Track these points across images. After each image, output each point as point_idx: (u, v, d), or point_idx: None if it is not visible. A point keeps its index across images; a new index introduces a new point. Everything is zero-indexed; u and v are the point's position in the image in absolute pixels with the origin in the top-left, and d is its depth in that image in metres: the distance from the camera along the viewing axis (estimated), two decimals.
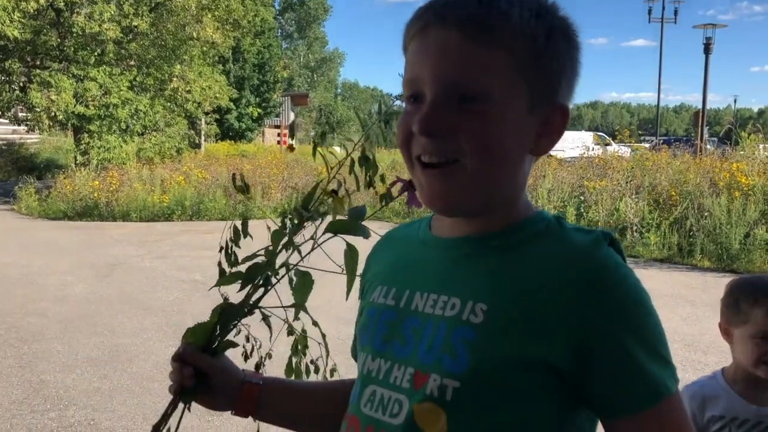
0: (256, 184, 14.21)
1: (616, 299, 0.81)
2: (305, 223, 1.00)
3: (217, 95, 19.13)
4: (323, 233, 0.98)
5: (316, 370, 1.14)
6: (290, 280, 0.99)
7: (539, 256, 0.85)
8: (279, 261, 1.00)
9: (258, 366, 1.15)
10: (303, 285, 0.97)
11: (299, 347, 1.10)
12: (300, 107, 42.47)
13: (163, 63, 17.43)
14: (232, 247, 1.05)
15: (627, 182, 10.90)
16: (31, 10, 14.92)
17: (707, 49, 19.65)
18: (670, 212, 9.87)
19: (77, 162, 16.38)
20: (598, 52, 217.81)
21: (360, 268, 1.00)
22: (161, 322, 5.93)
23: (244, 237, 1.05)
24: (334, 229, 0.97)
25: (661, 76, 33.50)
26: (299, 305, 0.98)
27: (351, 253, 0.96)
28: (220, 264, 1.05)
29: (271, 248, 0.99)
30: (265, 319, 1.04)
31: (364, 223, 0.97)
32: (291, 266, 0.99)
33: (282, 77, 37.77)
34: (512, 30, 0.81)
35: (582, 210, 11.04)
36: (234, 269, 1.03)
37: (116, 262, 8.74)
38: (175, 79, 17.78)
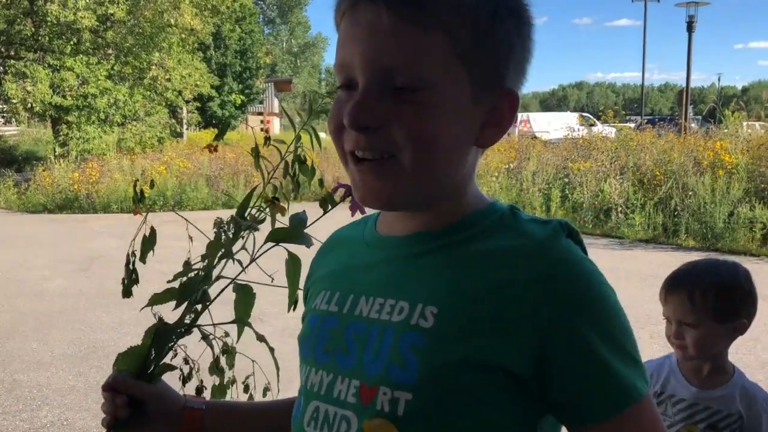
0: (239, 173, 14.06)
1: (578, 296, 0.74)
2: (243, 233, 0.90)
3: (198, 83, 18.92)
4: (263, 243, 0.88)
5: (246, 389, 1.06)
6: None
7: (492, 251, 0.77)
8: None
9: (199, 390, 1.06)
10: (244, 299, 0.89)
11: (218, 366, 1.01)
12: (284, 93, 42.18)
13: (142, 51, 17.18)
14: (134, 262, 0.96)
15: (611, 163, 10.87)
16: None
17: (690, 27, 19.61)
18: (655, 192, 9.85)
19: (56, 154, 16.14)
20: (582, 32, 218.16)
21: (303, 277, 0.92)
22: (140, 317, 5.76)
23: (152, 249, 0.96)
24: (275, 238, 0.88)
25: (646, 55, 33.48)
26: (242, 321, 0.89)
27: (293, 262, 0.88)
28: (124, 280, 0.96)
29: (207, 261, 0.90)
30: (206, 338, 0.95)
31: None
32: (231, 279, 0.90)
33: (265, 63, 37.41)
34: (450, 8, 0.74)
35: (567, 191, 11.01)
36: (169, 284, 0.94)
37: (96, 255, 8.60)
38: (154, 67, 17.55)
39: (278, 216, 0.92)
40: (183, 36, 18.31)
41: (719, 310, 1.62)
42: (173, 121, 21.69)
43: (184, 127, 24.68)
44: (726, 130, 11.10)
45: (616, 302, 0.77)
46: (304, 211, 0.91)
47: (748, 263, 7.83)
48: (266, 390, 1.07)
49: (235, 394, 1.05)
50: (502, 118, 0.80)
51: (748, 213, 8.57)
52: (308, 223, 0.91)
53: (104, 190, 13.29)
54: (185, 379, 1.04)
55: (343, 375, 0.79)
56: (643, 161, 10.65)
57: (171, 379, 0.98)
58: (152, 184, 1.02)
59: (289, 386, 1.07)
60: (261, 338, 0.96)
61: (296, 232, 0.88)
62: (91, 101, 15.85)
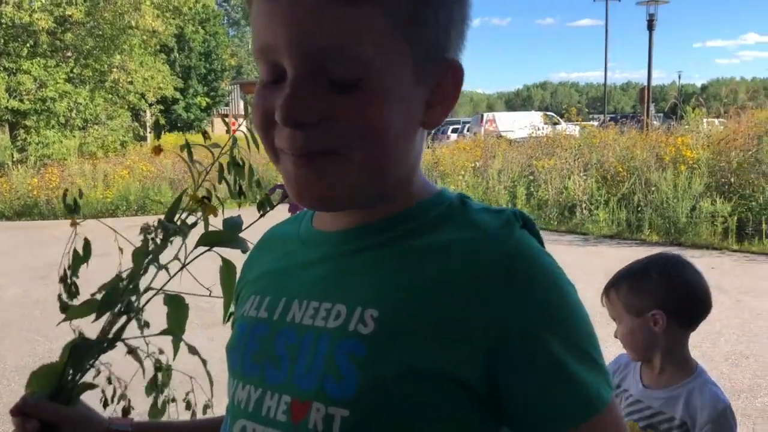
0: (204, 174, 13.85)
1: (535, 293, 0.67)
2: (172, 238, 0.84)
3: (161, 85, 18.64)
4: (194, 248, 0.82)
5: (188, 407, 0.99)
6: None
7: (440, 245, 0.70)
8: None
9: (126, 411, 0.98)
10: (176, 311, 0.82)
11: (158, 383, 0.94)
12: (250, 95, 41.74)
13: (102, 53, 16.87)
14: (70, 276, 0.89)
15: (575, 160, 10.96)
16: None
17: (650, 26, 19.90)
18: (618, 188, 9.95)
19: (14, 159, 15.75)
20: (546, 32, 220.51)
21: None
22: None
23: (86, 261, 0.89)
24: (207, 242, 0.82)
25: (608, 54, 33.97)
26: (176, 334, 0.83)
27: (227, 269, 0.81)
28: (60, 297, 0.89)
29: (132, 269, 0.83)
30: (132, 352, 0.89)
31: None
32: (156, 290, 0.83)
33: (230, 65, 37.08)
34: None
35: (532, 189, 11.07)
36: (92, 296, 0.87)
37: (55, 263, 8.33)
38: (115, 69, 17.25)
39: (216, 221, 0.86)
40: (145, 38, 18.03)
41: (629, 302, 1.61)
42: (136, 124, 21.35)
43: (148, 130, 24.29)
44: (687, 127, 11.26)
45: (578, 301, 0.70)
46: (239, 215, 0.85)
47: (710, 257, 7.97)
48: (206, 407, 1.00)
49: (175, 414, 0.98)
50: (448, 93, 0.72)
51: (710, 207, 8.69)
52: (244, 227, 0.84)
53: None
54: (107, 401, 0.97)
55: (273, 390, 0.70)
56: (607, 158, 10.75)
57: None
58: (80, 194, 0.95)
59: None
60: (193, 351, 0.90)
61: (230, 235, 0.82)
62: (50, 105, 15.51)
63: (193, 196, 0.82)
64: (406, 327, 0.66)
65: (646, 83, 19.45)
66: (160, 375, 0.93)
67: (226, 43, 36.36)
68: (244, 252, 0.83)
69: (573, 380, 0.66)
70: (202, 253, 0.83)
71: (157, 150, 1.00)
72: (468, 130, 27.15)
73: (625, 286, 1.64)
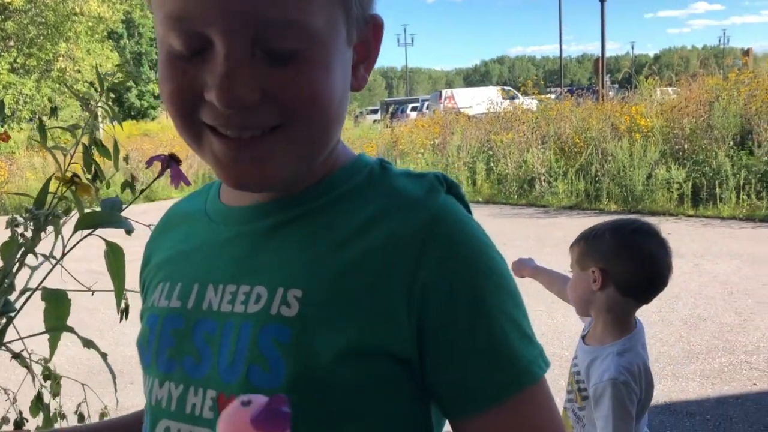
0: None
1: (461, 262, 0.63)
2: (45, 229, 0.74)
3: (110, 76, 18.15)
4: (72, 233, 0.73)
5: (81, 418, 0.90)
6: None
7: (361, 215, 0.65)
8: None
9: (18, 424, 0.89)
10: (56, 307, 0.73)
11: (50, 391, 0.84)
12: None
13: (46, 42, 16.32)
14: None
15: (533, 133, 11.00)
16: None
17: None
18: (576, 159, 10.02)
19: None
20: (501, 7, 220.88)
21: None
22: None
23: None
24: (86, 224, 0.73)
25: (562, 27, 34.13)
26: (56, 332, 0.73)
27: (113, 253, 0.73)
28: None
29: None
30: (18, 357, 0.79)
31: None
32: (34, 288, 0.74)
33: None
34: None
35: (492, 164, 11.09)
36: None
37: None
38: (61, 58, 16.72)
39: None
40: (91, 24, 17.50)
41: (580, 256, 1.67)
42: (86, 113, 20.81)
43: (99, 120, 23.73)
44: (641, 96, 11.38)
45: (506, 269, 0.67)
46: (117, 196, 0.76)
47: (667, 223, 8.07)
48: (103, 416, 0.91)
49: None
50: (371, 50, 0.70)
51: (665, 174, 8.80)
52: (124, 206, 0.75)
53: (15, 191, 12.62)
54: None
55: (196, 385, 0.65)
56: (564, 130, 10.80)
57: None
58: None
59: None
60: (89, 344, 0.80)
61: (109, 215, 0.72)
62: None
63: (60, 178, 0.73)
64: (332, 305, 0.62)
65: (600, 55, 19.59)
66: (45, 388, 0.83)
67: None
68: (128, 232, 0.74)
69: (506, 349, 0.63)
70: (83, 238, 0.74)
71: (4, 137, 0.90)
72: (427, 108, 27.17)
73: (582, 242, 1.69)
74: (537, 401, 0.64)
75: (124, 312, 0.76)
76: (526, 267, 2.02)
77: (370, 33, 0.69)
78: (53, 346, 0.77)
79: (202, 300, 0.67)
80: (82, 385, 0.90)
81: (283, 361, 0.60)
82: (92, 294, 0.77)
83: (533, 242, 7.40)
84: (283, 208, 0.68)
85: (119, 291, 0.74)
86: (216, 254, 0.69)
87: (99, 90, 0.88)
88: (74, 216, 0.78)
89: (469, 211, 0.70)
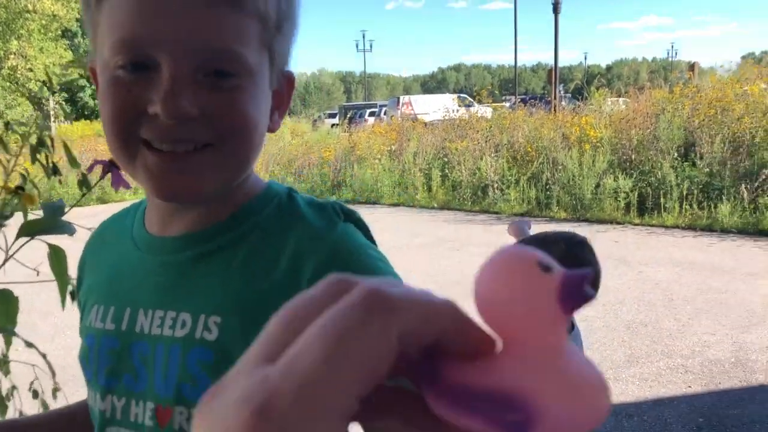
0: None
1: None
2: None
3: (65, 72, 17.79)
4: (15, 239, 0.82)
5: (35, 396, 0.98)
6: None
7: (272, 247, 0.74)
8: None
9: None
10: (6, 306, 0.82)
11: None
12: None
13: None
14: None
15: (486, 141, 11.22)
16: None
17: (556, 9, 20.50)
18: (528, 168, 10.27)
19: None
20: (459, 15, 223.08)
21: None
22: None
23: None
24: (29, 231, 0.81)
25: (517, 36, 34.72)
26: (7, 331, 0.82)
27: (55, 255, 0.82)
28: None
29: None
30: None
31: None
32: None
33: None
34: None
35: (446, 171, 11.27)
36: None
37: None
38: (12, 56, 16.33)
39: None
40: (44, 22, 17.13)
41: None
42: (38, 113, 20.35)
43: (52, 119, 23.16)
44: (591, 107, 11.71)
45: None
46: (61, 199, 0.85)
47: (614, 231, 8.32)
48: (56, 391, 1.00)
49: (20, 405, 0.97)
50: (284, 100, 0.80)
51: (613, 183, 9.10)
52: (67, 209, 0.84)
53: None
54: None
55: (137, 398, 0.74)
56: (516, 138, 11.05)
57: None
58: None
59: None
60: (30, 344, 0.89)
61: (52, 221, 0.81)
62: None
63: (4, 187, 0.82)
64: (247, 330, 0.70)
65: (554, 65, 20.02)
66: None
67: None
68: (70, 235, 0.83)
69: None
70: (27, 242, 0.83)
71: None
72: (385, 114, 27.27)
73: (534, 244, 1.77)
74: None
75: (63, 302, 0.86)
76: (520, 230, 2.15)
77: (284, 85, 0.79)
78: (8, 343, 0.86)
79: (134, 323, 0.75)
80: (32, 366, 0.98)
81: (208, 380, 0.70)
82: (37, 292, 0.86)
83: (485, 248, 7.56)
84: (203, 240, 0.76)
85: (62, 287, 0.82)
86: (144, 281, 0.77)
87: (50, 88, 0.97)
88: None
89: (369, 236, 0.79)
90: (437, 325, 0.25)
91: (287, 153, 13.89)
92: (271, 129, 0.78)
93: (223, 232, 0.76)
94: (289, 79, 0.80)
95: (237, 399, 0.23)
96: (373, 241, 0.79)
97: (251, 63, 0.70)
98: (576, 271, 0.26)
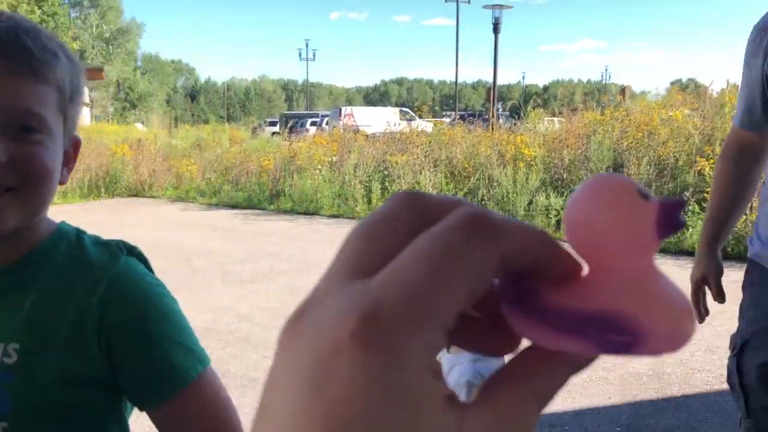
0: None
1: (134, 308, 0.93)
2: None
3: None
4: None
5: None
6: None
7: (61, 282, 0.92)
8: None
9: None
10: None
11: None
12: (95, 81, 39.28)
13: None
14: None
15: (426, 156, 11.40)
16: None
17: (496, 29, 21.05)
18: (465, 183, 10.50)
19: None
20: (402, 29, 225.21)
21: None
22: None
23: None
24: None
25: (459, 53, 35.36)
26: None
27: None
28: None
29: None
30: None
31: None
32: None
33: (72, 49, 34.58)
34: (61, 71, 0.89)
35: (386, 184, 11.37)
36: None
37: None
38: None
39: None
40: None
41: None
42: None
43: None
44: (527, 126, 12.06)
45: (171, 306, 0.96)
46: None
47: None
48: None
49: None
50: (71, 158, 0.97)
51: (545, 201, 9.39)
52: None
53: None
54: None
55: None
56: (455, 155, 11.28)
57: None
58: None
59: None
60: None
61: None
62: None
63: None
64: (44, 351, 0.89)
65: (492, 84, 20.50)
66: None
67: (66, 25, 34.02)
68: None
69: (164, 360, 0.93)
70: None
71: None
72: (326, 124, 27.25)
73: None
74: (200, 388, 0.94)
75: None
76: None
77: (71, 147, 0.96)
78: None
79: None
80: None
81: (7, 396, 0.88)
82: None
83: None
84: (2, 276, 0.92)
85: None
86: None
87: None
88: None
89: (148, 265, 0.99)
90: (534, 251, 0.26)
91: (225, 160, 13.70)
92: (62, 181, 0.94)
93: (15, 273, 0.92)
94: (76, 142, 0.97)
95: (338, 310, 0.23)
96: (152, 272, 0.99)
97: (50, 124, 0.88)
98: (672, 199, 0.27)
